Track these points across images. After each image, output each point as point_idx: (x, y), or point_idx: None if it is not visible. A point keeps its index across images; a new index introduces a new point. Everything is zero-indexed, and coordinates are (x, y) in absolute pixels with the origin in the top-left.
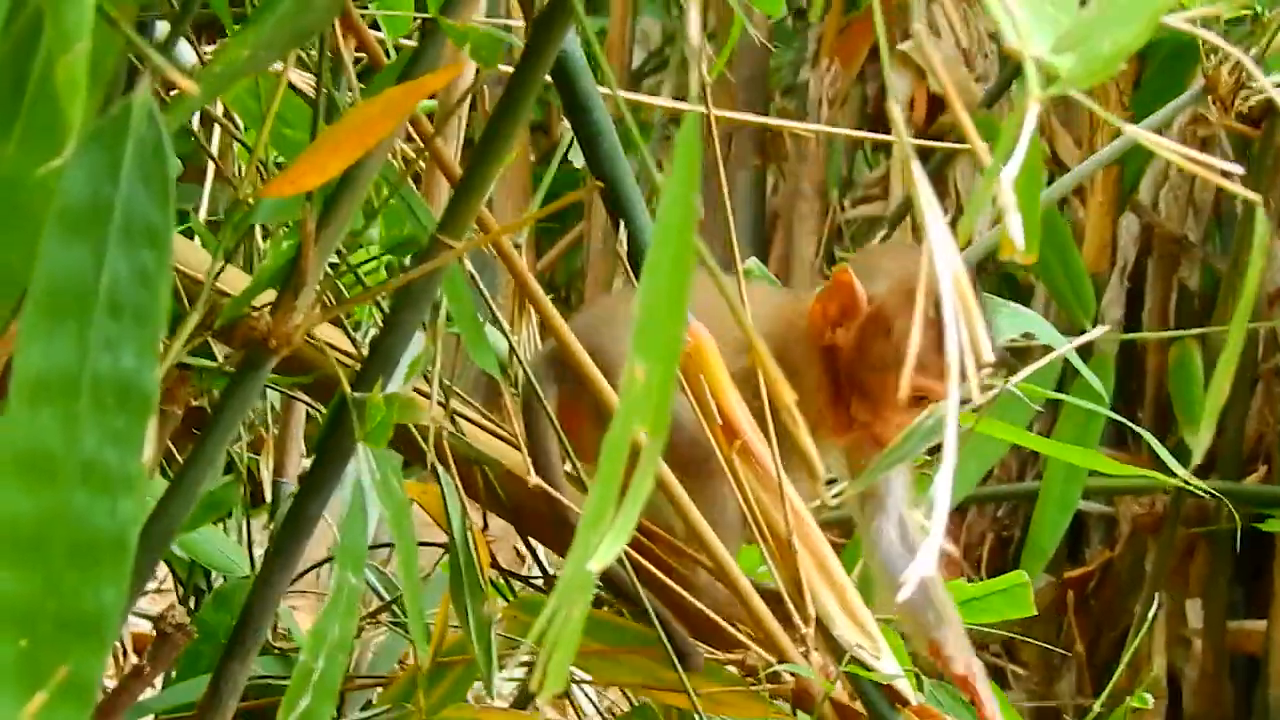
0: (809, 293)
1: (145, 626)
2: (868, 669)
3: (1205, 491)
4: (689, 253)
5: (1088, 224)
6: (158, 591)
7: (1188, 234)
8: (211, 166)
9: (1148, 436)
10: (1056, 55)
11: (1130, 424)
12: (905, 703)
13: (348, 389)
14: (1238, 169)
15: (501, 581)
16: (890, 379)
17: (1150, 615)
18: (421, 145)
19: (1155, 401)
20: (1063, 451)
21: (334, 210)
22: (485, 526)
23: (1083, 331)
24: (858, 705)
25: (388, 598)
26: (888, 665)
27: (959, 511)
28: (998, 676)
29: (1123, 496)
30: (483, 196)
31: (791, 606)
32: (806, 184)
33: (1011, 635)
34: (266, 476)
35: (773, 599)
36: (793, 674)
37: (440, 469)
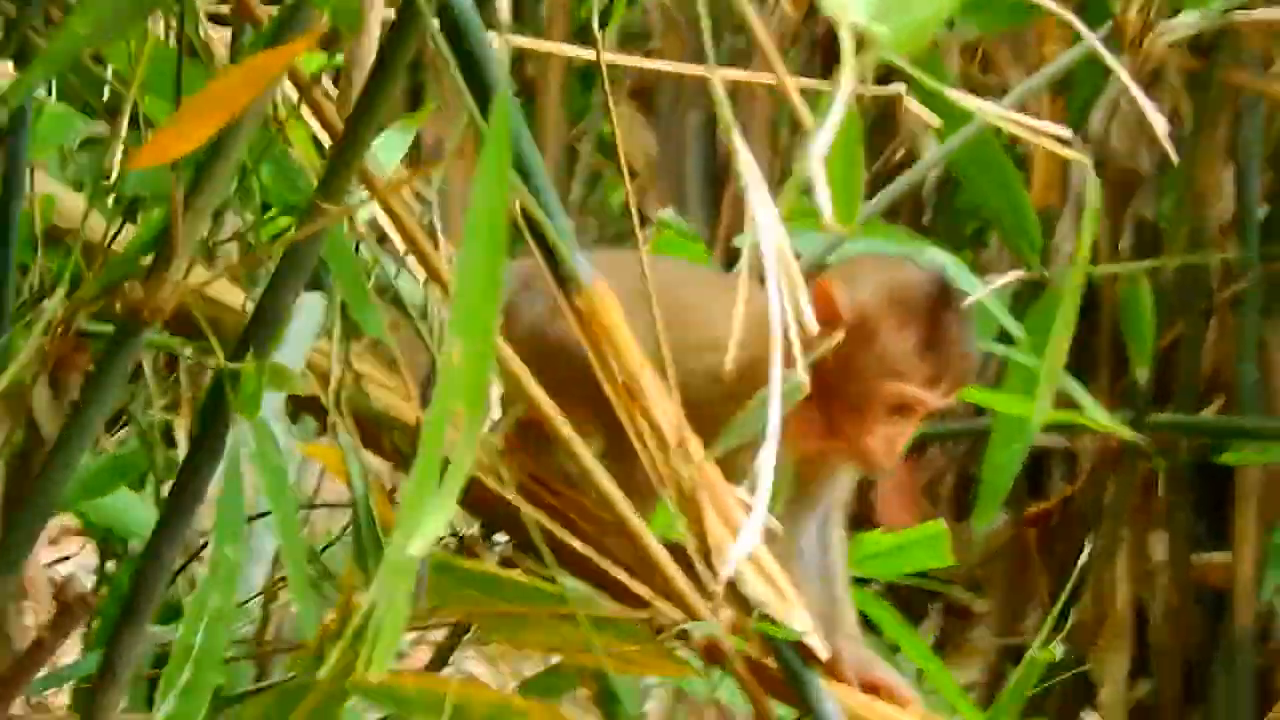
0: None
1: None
2: (778, 625)
3: (1147, 427)
4: (501, 232)
5: (1035, 158)
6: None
7: (1140, 165)
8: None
9: (1067, 377)
10: (875, 21)
11: (1072, 365)
12: (817, 659)
13: (222, 359)
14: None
15: None
16: (874, 389)
17: (1107, 550)
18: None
19: (1112, 337)
20: (996, 401)
21: (205, 178)
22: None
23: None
24: (771, 662)
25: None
26: (798, 621)
27: (918, 449)
28: (962, 614)
29: (1081, 433)
30: (360, 157)
31: (701, 564)
32: (756, 123)
33: (974, 571)
34: (182, 439)
35: (684, 558)
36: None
37: (342, 428)
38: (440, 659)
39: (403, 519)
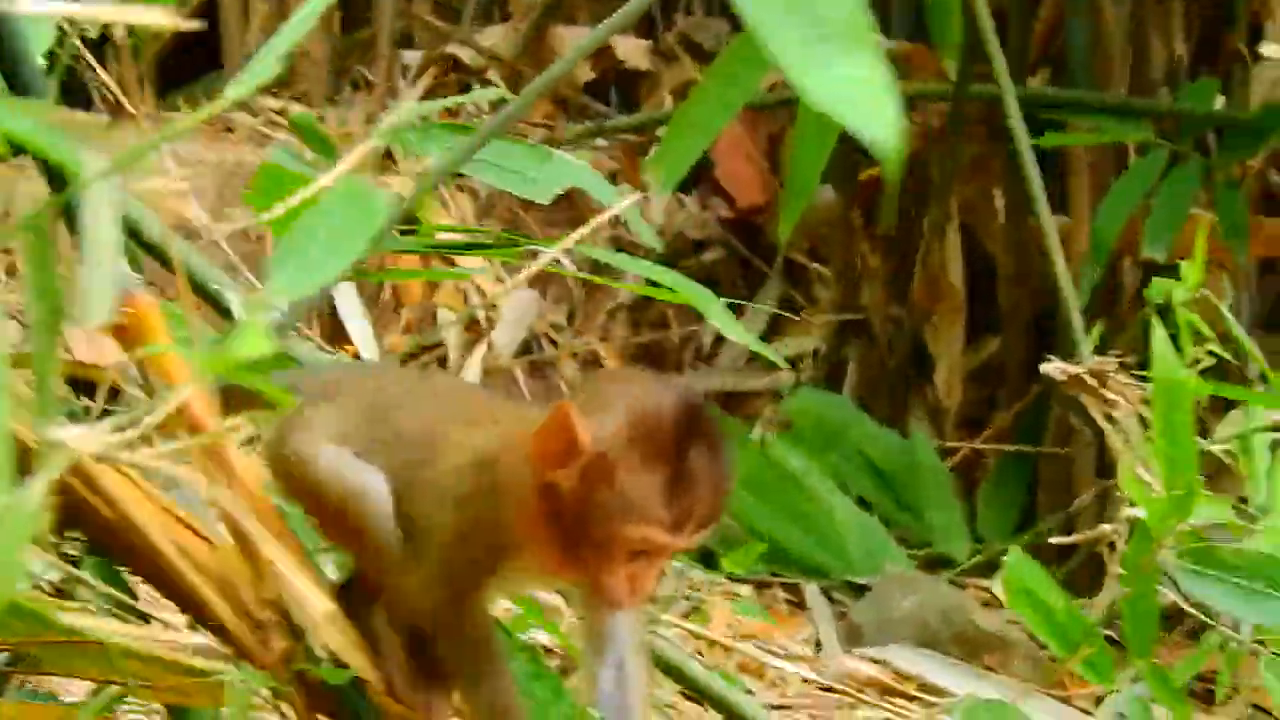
0: (531, 417)
1: None
2: (334, 656)
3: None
4: None
5: None
6: None
7: None
8: None
9: None
10: None
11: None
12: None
13: None
14: None
15: None
16: (615, 531)
17: (938, 225)
18: None
19: None
20: None
21: None
22: None
23: None
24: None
25: None
26: (355, 655)
27: (749, 113)
28: (803, 278)
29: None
30: None
31: (248, 589)
32: None
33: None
34: None
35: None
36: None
37: None
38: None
39: None
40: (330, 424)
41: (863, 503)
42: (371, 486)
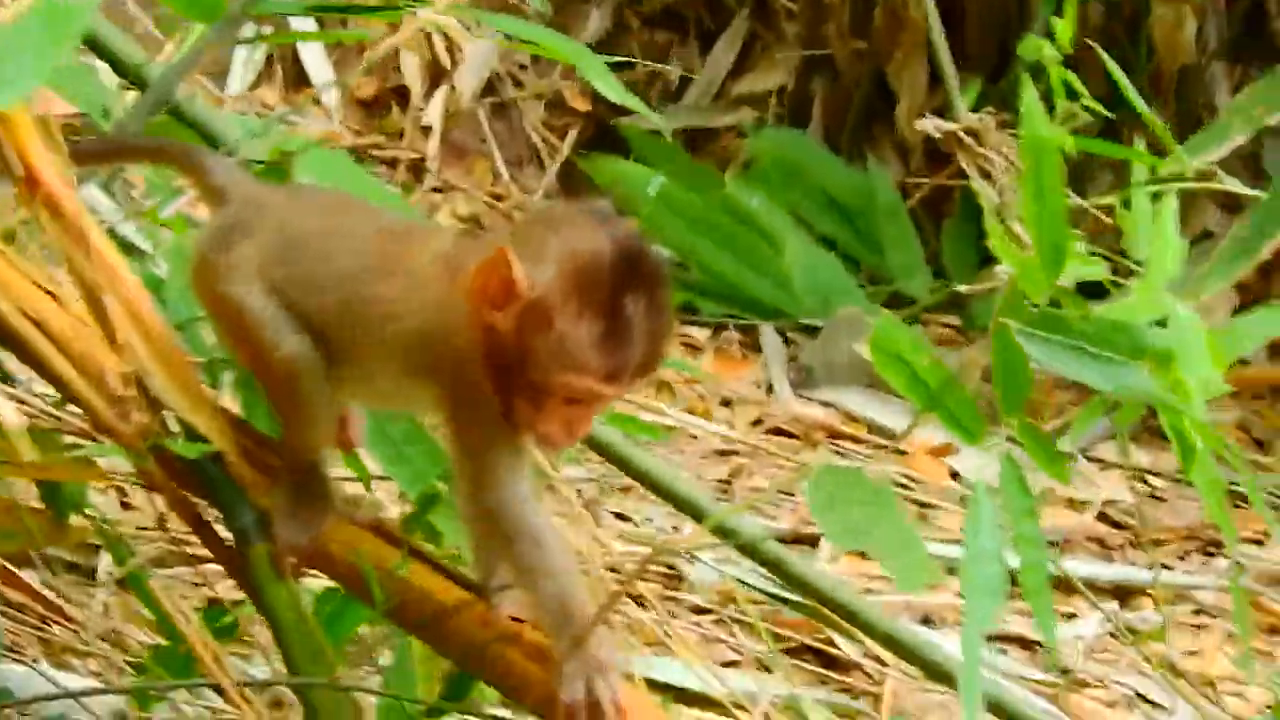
0: (471, 250)
1: None
2: (194, 435)
3: None
4: None
5: None
6: None
7: None
8: None
9: None
10: None
11: None
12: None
13: None
14: None
15: None
16: (550, 379)
17: None
18: None
19: None
20: None
21: None
22: None
23: None
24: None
25: None
26: (211, 425)
27: None
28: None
29: None
30: None
31: (106, 366)
32: None
33: None
34: None
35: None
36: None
37: None
38: None
39: None
40: (258, 268)
41: (826, 242)
42: (301, 355)
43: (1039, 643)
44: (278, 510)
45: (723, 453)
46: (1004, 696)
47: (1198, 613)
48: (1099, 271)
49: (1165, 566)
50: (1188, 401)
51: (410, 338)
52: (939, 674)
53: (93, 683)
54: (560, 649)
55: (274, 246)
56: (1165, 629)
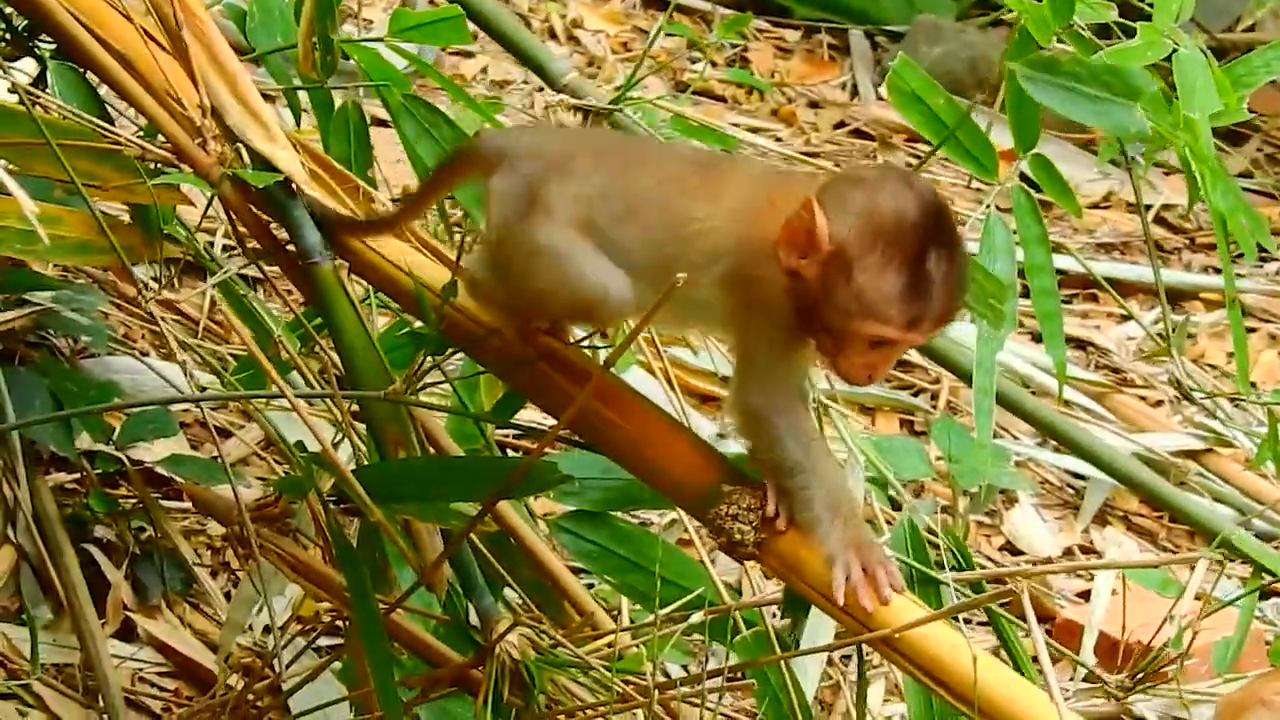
0: (786, 186)
1: None
2: (263, 159)
3: None
4: None
5: None
6: None
7: None
8: None
9: None
10: None
11: None
12: (300, 191)
13: None
14: None
15: None
16: (852, 325)
17: None
18: None
19: None
20: None
21: None
22: None
23: None
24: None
25: None
26: (281, 154)
27: None
28: None
29: None
30: None
31: (185, 100)
32: None
33: None
34: None
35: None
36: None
37: None
38: None
39: None
40: (570, 210)
41: None
42: (614, 288)
43: (1091, 343)
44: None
45: (806, 154)
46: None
47: (1245, 315)
48: (1107, 15)
49: (1215, 270)
50: (1194, 137)
51: (717, 255)
52: None
53: (185, 383)
54: (830, 536)
55: (575, 189)
56: (1191, 333)
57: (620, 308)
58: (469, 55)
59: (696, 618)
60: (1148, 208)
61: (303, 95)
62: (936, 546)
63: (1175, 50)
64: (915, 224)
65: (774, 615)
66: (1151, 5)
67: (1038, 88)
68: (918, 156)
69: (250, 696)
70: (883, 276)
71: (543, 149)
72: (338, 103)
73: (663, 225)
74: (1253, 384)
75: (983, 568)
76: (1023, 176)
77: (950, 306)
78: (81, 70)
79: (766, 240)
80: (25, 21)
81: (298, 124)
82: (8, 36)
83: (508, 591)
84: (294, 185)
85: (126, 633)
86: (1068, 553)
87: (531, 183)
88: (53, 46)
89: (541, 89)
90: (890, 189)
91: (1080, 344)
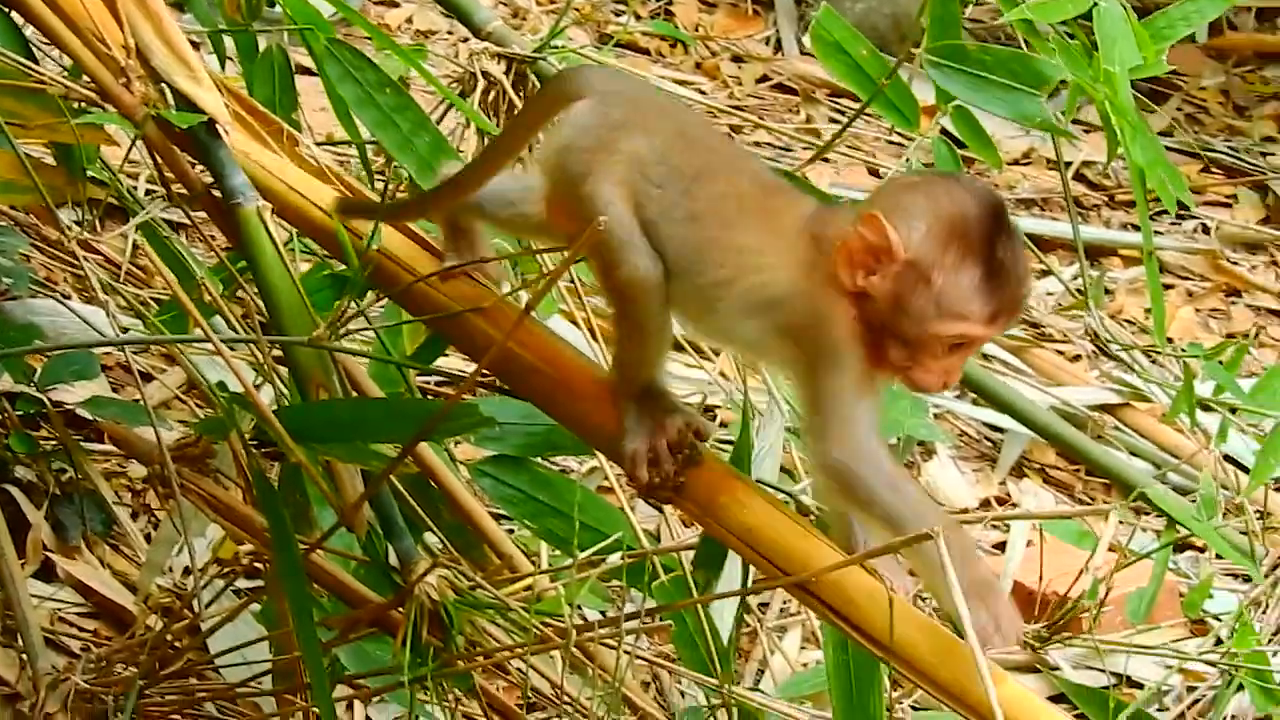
0: (832, 219)
1: None
2: (188, 101)
3: None
4: None
5: None
6: None
7: None
8: None
9: None
10: None
11: None
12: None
13: None
14: None
15: None
16: (933, 329)
17: None
18: None
19: None
20: None
21: None
22: None
23: None
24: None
25: None
26: (205, 95)
27: None
28: None
29: None
30: None
31: (110, 40)
32: None
33: None
34: None
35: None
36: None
37: None
38: None
39: None
40: (629, 180)
41: None
42: (648, 277)
43: None
44: (627, 430)
45: (732, 108)
46: None
47: (1162, 271)
48: None
49: (1134, 227)
50: (1114, 90)
51: (768, 292)
52: None
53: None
54: (949, 589)
55: (645, 160)
56: (1109, 289)
57: (654, 305)
58: (394, 5)
59: (614, 560)
60: (1068, 164)
61: (229, 42)
62: None
63: (1096, 4)
64: (980, 219)
65: (692, 563)
66: None
67: (945, 76)
68: (840, 111)
69: (169, 637)
70: (961, 275)
71: (628, 96)
72: (262, 47)
73: (716, 245)
74: (1169, 339)
75: None
76: (944, 131)
77: (1022, 294)
78: (6, 9)
79: (822, 279)
80: None
81: (223, 68)
82: None
83: (428, 535)
84: (219, 127)
85: (46, 573)
86: (985, 504)
87: (606, 125)
88: None
89: (467, 39)
90: (946, 189)
91: None
